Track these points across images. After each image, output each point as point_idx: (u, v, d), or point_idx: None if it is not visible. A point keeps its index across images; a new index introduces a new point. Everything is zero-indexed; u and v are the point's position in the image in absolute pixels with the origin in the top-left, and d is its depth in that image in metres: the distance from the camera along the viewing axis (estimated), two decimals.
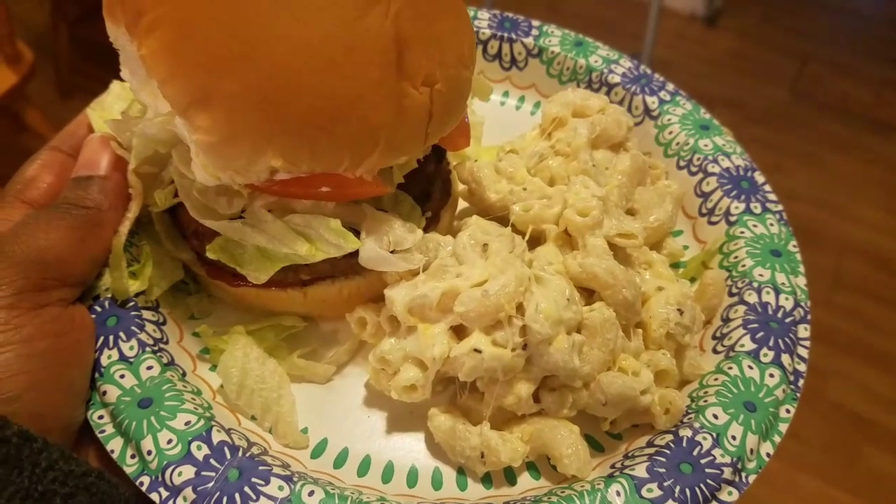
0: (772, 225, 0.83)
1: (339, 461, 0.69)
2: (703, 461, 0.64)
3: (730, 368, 0.71)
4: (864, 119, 3.19)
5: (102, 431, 0.64)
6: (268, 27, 0.59)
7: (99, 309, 0.70)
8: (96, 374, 0.67)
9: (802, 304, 0.77)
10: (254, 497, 0.60)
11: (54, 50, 3.03)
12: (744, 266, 0.79)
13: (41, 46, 2.89)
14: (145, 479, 0.61)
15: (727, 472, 0.64)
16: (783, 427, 0.68)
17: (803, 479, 2.07)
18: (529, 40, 1.03)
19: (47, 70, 2.98)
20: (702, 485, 0.63)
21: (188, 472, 0.61)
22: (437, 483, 0.69)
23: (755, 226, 0.83)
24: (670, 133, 0.94)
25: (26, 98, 2.37)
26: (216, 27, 0.59)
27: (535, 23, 1.05)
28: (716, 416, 0.67)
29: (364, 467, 0.69)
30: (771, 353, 0.72)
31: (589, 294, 0.71)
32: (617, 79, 0.99)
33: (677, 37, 3.55)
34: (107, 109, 0.77)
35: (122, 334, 0.69)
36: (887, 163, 2.99)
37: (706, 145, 0.91)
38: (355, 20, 0.61)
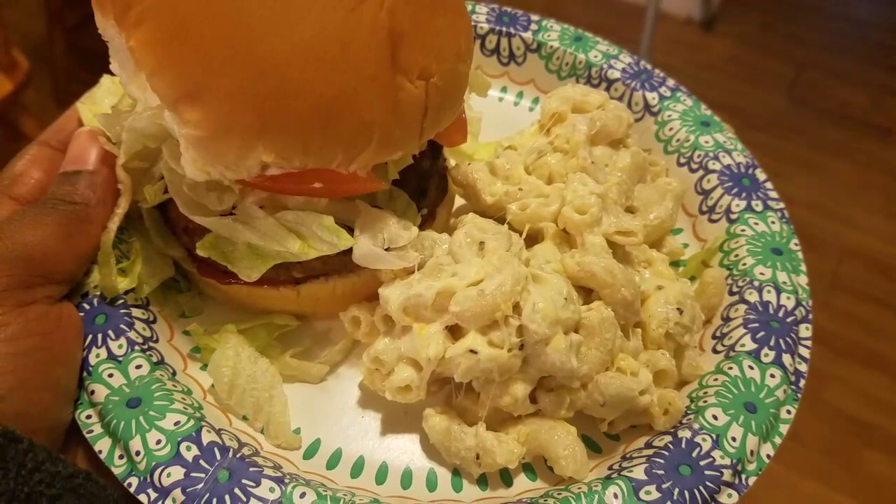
0: (773, 223, 0.81)
1: (333, 462, 0.68)
2: (702, 463, 0.63)
3: (730, 368, 0.70)
4: (862, 124, 3.19)
5: (90, 431, 0.63)
6: (260, 21, 0.58)
7: (87, 307, 0.69)
8: (84, 373, 0.65)
9: (804, 303, 0.76)
10: (244, 499, 0.59)
11: (50, 58, 3.00)
12: (744, 264, 0.78)
13: (37, 54, 2.88)
14: (133, 481, 0.60)
15: (727, 474, 0.63)
16: (784, 428, 0.67)
17: (803, 482, 2.06)
18: (528, 35, 1.02)
19: (44, 78, 2.95)
20: (701, 487, 0.62)
21: (177, 473, 0.60)
22: (431, 484, 0.68)
23: (756, 224, 0.81)
24: (671, 129, 0.93)
25: (22, 106, 2.34)
26: (207, 19, 0.58)
27: (534, 17, 1.04)
28: (715, 417, 0.66)
29: (357, 468, 0.68)
30: (772, 353, 0.70)
31: (587, 293, 0.70)
32: (617, 74, 0.98)
33: (674, 42, 3.55)
34: (97, 103, 0.76)
35: (110, 332, 0.67)
36: (886, 168, 2.99)
37: (707, 142, 0.90)
38: (349, 14, 0.60)
